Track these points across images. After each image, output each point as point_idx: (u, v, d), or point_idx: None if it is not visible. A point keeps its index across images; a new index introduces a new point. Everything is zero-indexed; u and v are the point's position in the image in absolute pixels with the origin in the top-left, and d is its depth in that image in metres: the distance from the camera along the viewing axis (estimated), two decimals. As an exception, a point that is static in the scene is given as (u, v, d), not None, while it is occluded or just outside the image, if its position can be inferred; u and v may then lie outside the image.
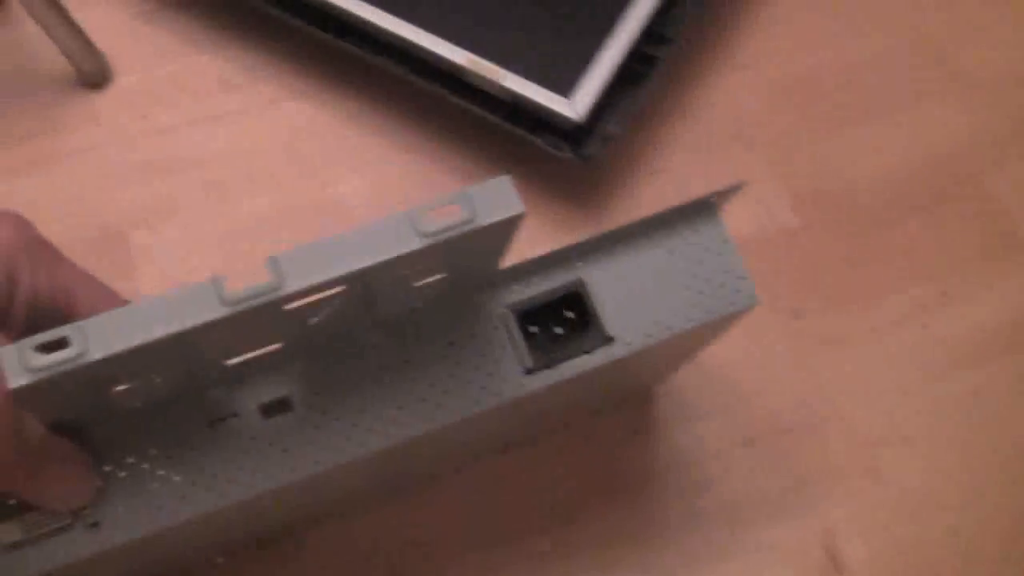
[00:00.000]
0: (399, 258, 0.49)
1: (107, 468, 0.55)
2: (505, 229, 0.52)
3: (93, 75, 0.92)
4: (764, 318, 0.85)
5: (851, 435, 0.82)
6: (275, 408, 0.57)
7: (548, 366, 0.59)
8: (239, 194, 0.88)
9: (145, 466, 0.55)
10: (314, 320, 0.54)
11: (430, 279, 0.55)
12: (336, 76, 0.93)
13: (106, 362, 0.47)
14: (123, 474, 0.55)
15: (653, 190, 0.88)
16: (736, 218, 0.87)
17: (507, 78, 0.83)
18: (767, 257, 0.86)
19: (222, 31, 0.95)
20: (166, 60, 0.94)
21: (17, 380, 0.46)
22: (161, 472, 0.56)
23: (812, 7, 0.96)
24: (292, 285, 0.48)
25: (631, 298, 0.61)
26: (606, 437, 0.81)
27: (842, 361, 0.84)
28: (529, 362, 0.59)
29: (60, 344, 0.47)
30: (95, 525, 0.54)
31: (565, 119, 0.82)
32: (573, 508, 0.79)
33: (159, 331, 0.47)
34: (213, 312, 0.48)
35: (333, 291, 0.51)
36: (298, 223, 0.87)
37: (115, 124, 0.91)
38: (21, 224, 0.53)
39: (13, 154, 0.90)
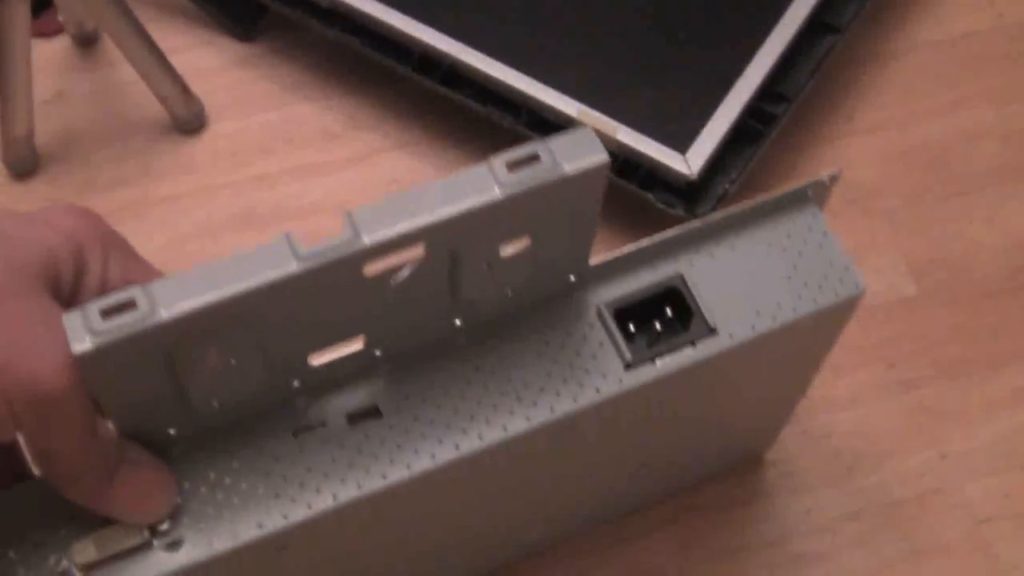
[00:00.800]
0: (480, 211, 0.48)
1: (187, 485, 0.53)
2: (590, 187, 0.50)
3: (188, 121, 0.90)
4: (877, 387, 0.82)
5: (963, 510, 0.78)
6: (363, 416, 0.55)
7: (649, 360, 0.57)
8: (336, 247, 0.85)
9: (227, 480, 0.53)
10: (396, 284, 0.51)
11: (517, 247, 0.52)
12: (439, 127, 0.91)
13: (175, 325, 0.45)
14: (204, 490, 0.53)
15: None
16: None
17: (620, 131, 0.81)
18: (882, 325, 0.83)
19: (323, 78, 0.93)
20: (264, 107, 0.92)
21: (81, 344, 0.44)
22: (244, 485, 0.53)
23: (931, 75, 0.94)
24: (369, 238, 0.46)
25: (732, 291, 0.58)
26: (710, 507, 0.78)
27: (955, 434, 0.81)
28: (628, 356, 0.56)
29: (127, 307, 0.45)
30: (175, 544, 0.52)
31: (679, 175, 0.80)
32: (677, 579, 0.76)
33: (229, 290, 0.45)
34: (286, 268, 0.46)
35: (413, 252, 0.49)
36: (397, 277, 0.84)
37: (210, 172, 0.89)
38: (94, 217, 0.51)
39: (103, 200, 0.87)
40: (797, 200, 0.60)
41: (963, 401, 0.82)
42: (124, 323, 0.45)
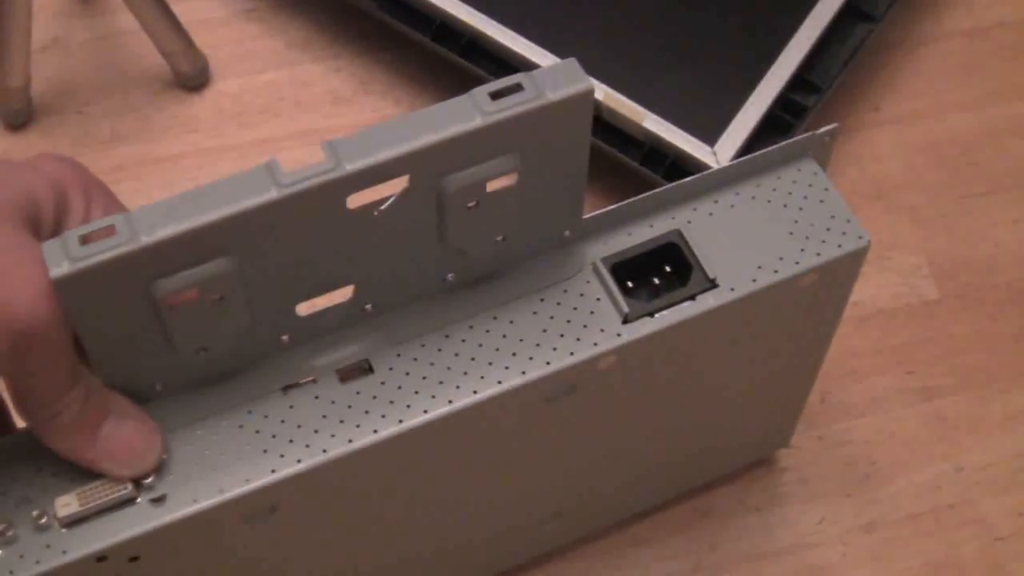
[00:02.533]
0: (462, 139, 0.48)
1: (173, 440, 0.52)
2: (576, 118, 0.51)
3: (191, 76, 0.87)
4: (895, 394, 0.80)
5: (978, 526, 0.76)
6: (355, 372, 0.54)
7: (647, 314, 0.56)
8: (343, 217, 0.83)
9: (215, 436, 0.52)
10: (382, 221, 0.50)
11: (503, 182, 0.51)
12: (454, 96, 0.87)
13: (155, 251, 0.45)
14: (190, 445, 0.52)
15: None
16: (871, 285, 0.82)
17: (647, 119, 0.78)
18: (901, 329, 0.82)
19: (335, 38, 0.90)
20: (272, 65, 0.89)
21: (59, 268, 0.44)
22: (232, 441, 0.52)
23: (961, 65, 0.92)
24: (351, 165, 0.47)
25: (732, 246, 0.58)
26: (723, 512, 0.76)
27: (973, 447, 0.79)
28: (626, 309, 0.55)
29: (107, 233, 0.45)
30: (160, 499, 0.51)
31: (706, 168, 0.77)
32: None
33: (209, 216, 0.45)
34: (266, 194, 0.46)
35: (396, 185, 0.49)
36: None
37: (212, 133, 0.86)
38: (78, 165, 0.51)
39: (100, 158, 0.84)
40: (795, 155, 0.60)
41: (982, 413, 0.80)
42: (103, 248, 0.44)
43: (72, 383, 0.48)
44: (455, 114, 0.48)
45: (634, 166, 0.79)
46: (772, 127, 0.80)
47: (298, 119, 0.86)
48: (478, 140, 0.48)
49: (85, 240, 0.45)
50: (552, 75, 0.49)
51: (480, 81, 0.80)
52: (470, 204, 0.51)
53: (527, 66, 0.80)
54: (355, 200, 0.48)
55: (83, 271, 0.44)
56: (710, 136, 0.78)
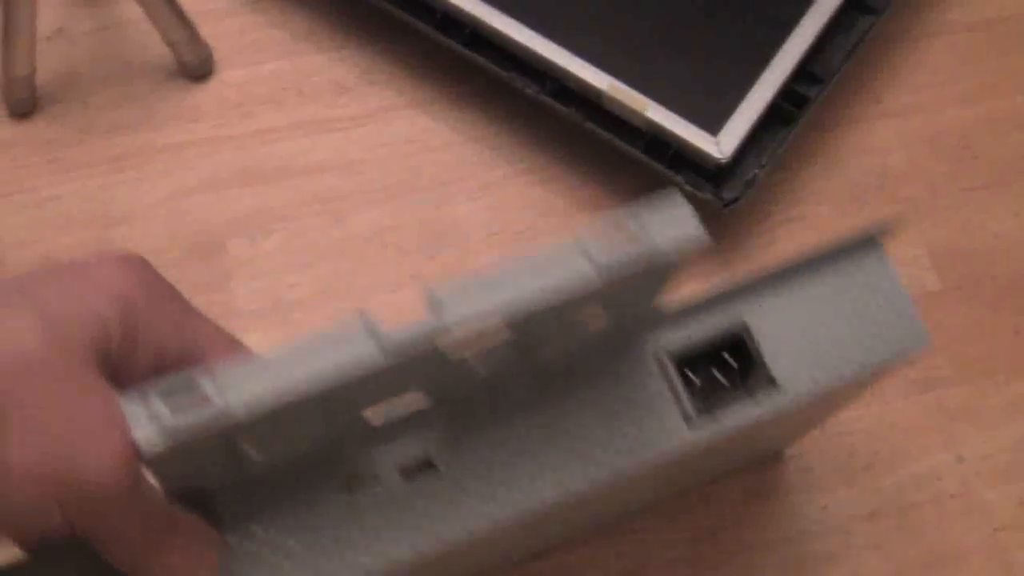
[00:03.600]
0: (574, 296, 0.45)
1: (230, 539, 0.50)
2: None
3: (195, 66, 0.87)
4: (896, 386, 0.80)
5: (979, 516, 0.77)
6: (418, 470, 0.52)
7: (710, 413, 0.54)
8: (345, 208, 0.83)
9: (273, 536, 0.50)
10: (476, 370, 0.49)
11: (591, 315, 0.50)
12: (459, 88, 0.87)
13: (250, 420, 0.43)
14: (249, 544, 0.50)
15: (790, 237, 0.83)
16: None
17: (650, 109, 0.78)
18: (902, 320, 0.81)
19: (338, 28, 0.90)
20: (275, 55, 0.88)
21: (153, 447, 0.42)
22: (291, 542, 0.50)
23: (963, 58, 0.92)
24: (456, 330, 0.44)
25: (796, 342, 0.55)
26: (725, 502, 0.76)
27: (975, 437, 0.79)
28: (690, 411, 0.54)
29: (197, 401, 0.42)
30: None
31: (709, 158, 0.77)
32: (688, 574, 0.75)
33: (311, 385, 0.43)
34: (372, 362, 0.43)
35: (499, 337, 0.46)
36: (409, 244, 0.81)
37: (216, 122, 0.86)
38: (138, 265, 0.47)
39: (103, 147, 0.84)
40: (864, 245, 0.57)
41: (982, 403, 0.80)
42: (196, 423, 0.42)
43: (139, 509, 0.45)
44: (570, 269, 0.45)
45: (636, 156, 0.79)
46: (774, 117, 0.80)
47: (301, 109, 0.86)
48: (589, 292, 0.46)
49: (174, 409, 0.42)
50: (662, 221, 0.46)
51: (484, 72, 0.81)
52: (556, 335, 0.50)
53: (530, 56, 0.80)
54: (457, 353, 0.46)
55: (176, 447, 0.42)
56: (713, 126, 0.78)
